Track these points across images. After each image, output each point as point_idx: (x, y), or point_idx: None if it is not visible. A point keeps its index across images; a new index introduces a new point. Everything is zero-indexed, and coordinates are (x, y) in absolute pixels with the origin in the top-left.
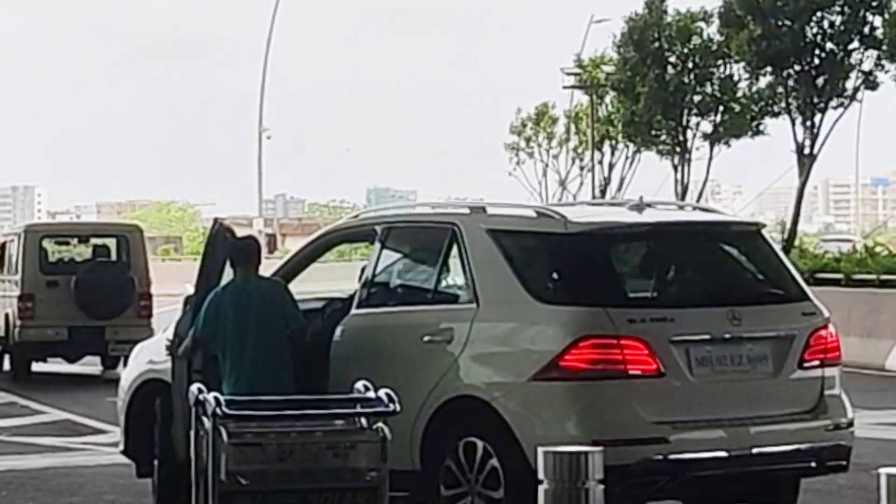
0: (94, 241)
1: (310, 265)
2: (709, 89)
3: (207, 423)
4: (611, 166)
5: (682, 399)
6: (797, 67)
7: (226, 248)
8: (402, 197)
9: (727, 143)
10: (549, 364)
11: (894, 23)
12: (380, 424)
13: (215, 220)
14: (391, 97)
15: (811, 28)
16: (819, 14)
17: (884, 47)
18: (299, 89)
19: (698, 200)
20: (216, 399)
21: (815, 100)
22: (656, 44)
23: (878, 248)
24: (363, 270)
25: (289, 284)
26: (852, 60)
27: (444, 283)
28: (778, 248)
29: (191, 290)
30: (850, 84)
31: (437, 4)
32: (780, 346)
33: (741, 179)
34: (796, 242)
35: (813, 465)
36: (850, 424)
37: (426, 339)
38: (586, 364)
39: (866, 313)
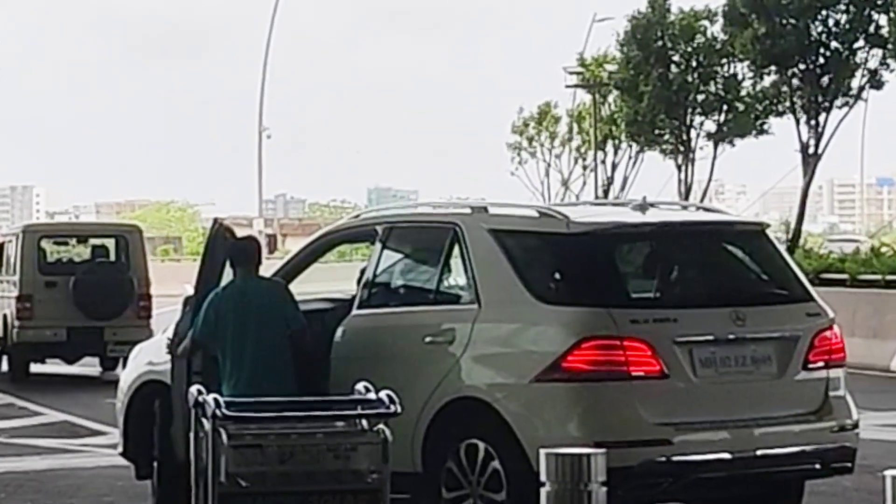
0: (92, 241)
1: (310, 265)
2: (713, 88)
3: (207, 424)
4: (614, 166)
5: (686, 400)
6: (802, 66)
7: (226, 248)
8: (403, 197)
9: (731, 142)
10: (552, 365)
11: None
12: (381, 426)
13: (215, 220)
14: (391, 97)
15: (816, 26)
16: (824, 12)
17: (889, 46)
18: (299, 89)
19: (702, 200)
20: (216, 400)
21: (820, 99)
22: (660, 42)
23: (883, 249)
24: (363, 271)
25: (289, 285)
26: (857, 59)
27: (445, 284)
28: (782, 248)
29: (190, 290)
30: (855, 83)
31: (437, 4)
32: (784, 346)
33: (745, 179)
34: (801, 242)
35: (818, 466)
36: (856, 426)
37: (427, 339)
38: (589, 365)
39: (871, 314)
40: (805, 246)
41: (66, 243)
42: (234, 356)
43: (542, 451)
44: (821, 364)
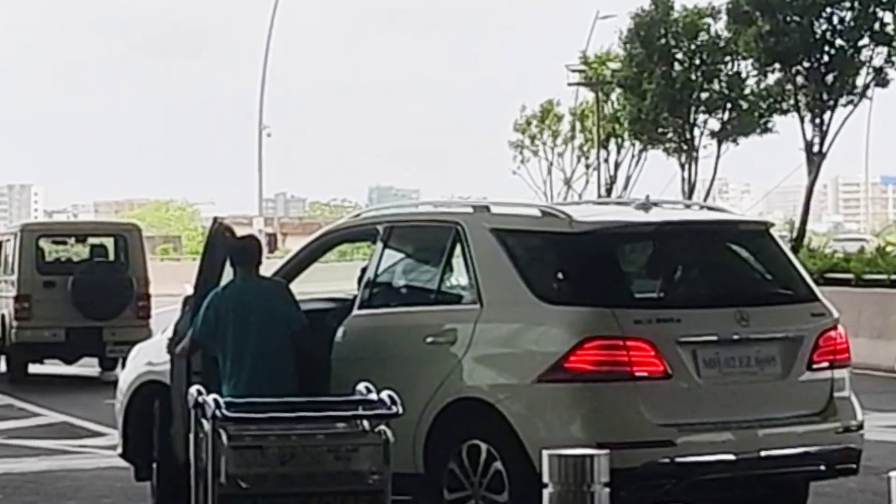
0: (91, 240)
1: (311, 265)
2: (716, 86)
3: (207, 425)
4: (617, 164)
5: (689, 401)
6: (806, 64)
7: (226, 247)
8: (404, 196)
9: (735, 140)
10: (554, 365)
11: None
12: (382, 427)
13: (215, 219)
14: (391, 97)
15: (820, 24)
16: (828, 10)
17: (894, 43)
18: (299, 89)
19: (705, 199)
20: (216, 401)
21: (825, 97)
22: (663, 40)
23: (888, 248)
24: (364, 271)
25: (290, 284)
26: (862, 57)
27: (447, 284)
28: (786, 247)
29: (190, 290)
30: (859, 81)
31: (437, 4)
32: (788, 347)
33: (749, 178)
34: (805, 242)
35: (822, 468)
36: (860, 427)
37: (429, 340)
38: (592, 365)
39: (876, 314)
40: (810, 245)
41: (64, 243)
42: (234, 357)
43: (545, 452)
44: (825, 364)
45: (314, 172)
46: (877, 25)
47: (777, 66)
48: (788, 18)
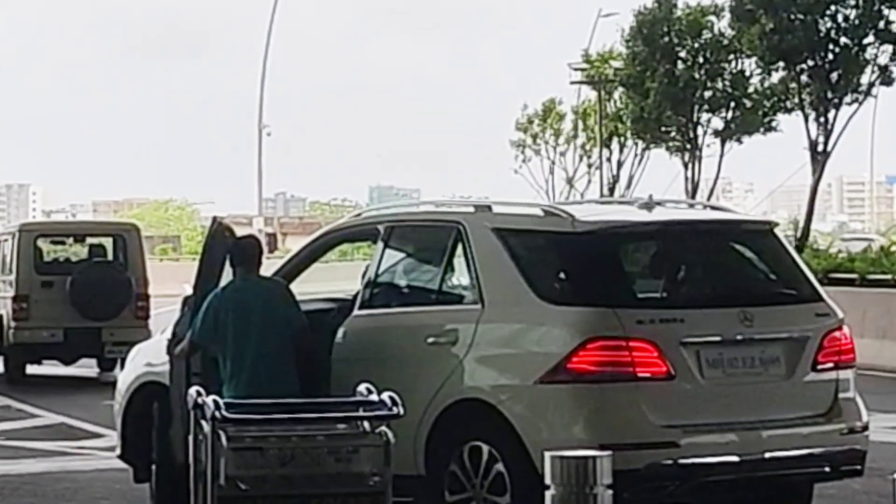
0: (90, 240)
1: (311, 265)
2: (720, 85)
3: (206, 426)
4: (619, 164)
5: (693, 402)
6: (810, 62)
7: (225, 247)
8: (405, 195)
9: (738, 139)
10: (556, 366)
11: None
12: (383, 428)
13: (214, 218)
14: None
15: (825, 22)
16: (833, 8)
17: None
18: (299, 89)
19: (709, 199)
20: (215, 402)
21: (829, 95)
22: (666, 38)
23: (893, 248)
24: (366, 271)
25: (290, 285)
26: (867, 55)
27: (448, 284)
28: (791, 247)
29: (189, 290)
30: (864, 79)
31: (437, 4)
32: (792, 347)
33: (753, 177)
34: (810, 241)
35: (827, 469)
36: (865, 428)
37: (430, 340)
38: (594, 366)
39: (881, 314)
40: (814, 245)
41: (62, 242)
42: (234, 357)
43: (547, 454)
44: (830, 365)
45: (314, 172)
46: (882, 23)
47: (781, 64)
48: (792, 16)
